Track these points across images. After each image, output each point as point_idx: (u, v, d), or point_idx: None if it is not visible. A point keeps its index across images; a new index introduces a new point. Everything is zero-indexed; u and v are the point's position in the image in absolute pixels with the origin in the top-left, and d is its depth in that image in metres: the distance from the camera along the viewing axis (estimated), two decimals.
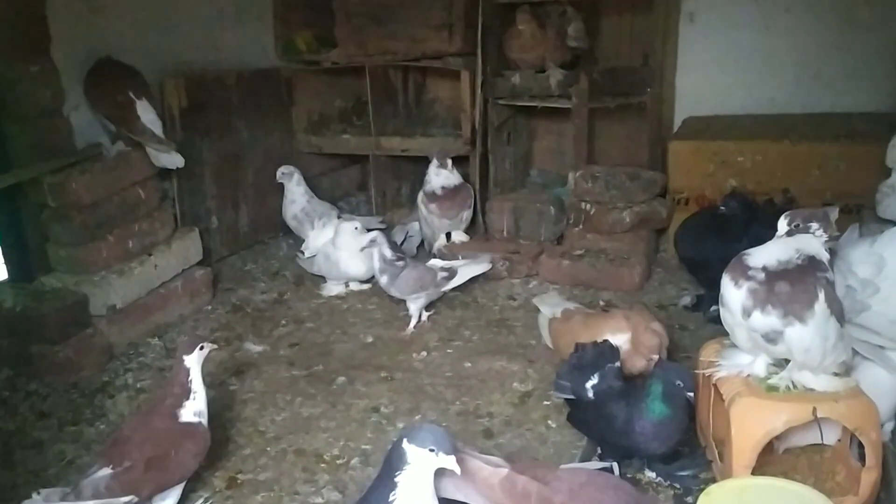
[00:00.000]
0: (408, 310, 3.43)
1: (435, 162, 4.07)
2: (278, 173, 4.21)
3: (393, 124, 4.71)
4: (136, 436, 2.23)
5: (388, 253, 3.41)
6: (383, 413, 2.77)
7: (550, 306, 3.06)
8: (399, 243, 4.29)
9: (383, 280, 3.40)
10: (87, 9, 3.44)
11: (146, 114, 3.35)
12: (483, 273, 3.64)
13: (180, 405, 2.28)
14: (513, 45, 4.14)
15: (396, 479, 1.78)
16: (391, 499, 1.78)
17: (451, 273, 3.46)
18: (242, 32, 4.37)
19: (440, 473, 1.84)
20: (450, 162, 4.07)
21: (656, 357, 2.58)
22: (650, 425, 2.16)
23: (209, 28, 4.15)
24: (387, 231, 4.38)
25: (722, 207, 3.17)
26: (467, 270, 3.52)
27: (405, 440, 1.79)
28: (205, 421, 2.31)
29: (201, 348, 2.32)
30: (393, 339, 3.34)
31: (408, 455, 1.78)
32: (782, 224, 2.06)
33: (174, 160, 3.49)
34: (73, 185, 3.14)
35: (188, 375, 2.30)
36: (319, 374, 3.06)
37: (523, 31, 4.06)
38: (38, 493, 2.11)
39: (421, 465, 1.78)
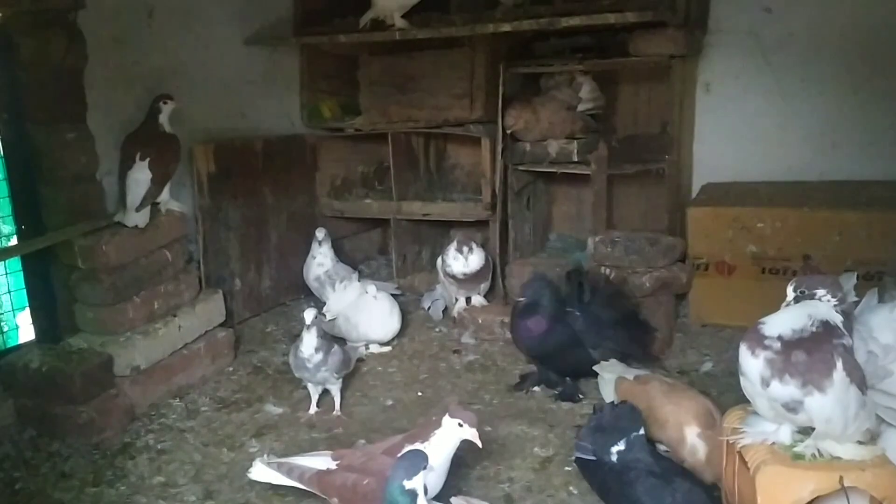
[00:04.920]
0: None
1: (454, 246, 4.02)
2: (321, 233, 4.29)
3: (414, 189, 4.79)
4: (366, 449, 2.45)
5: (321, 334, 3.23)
6: None
7: (612, 373, 3.07)
8: (426, 308, 4.31)
9: (318, 357, 3.15)
10: (123, 79, 3.59)
11: (136, 173, 3.35)
12: None
13: (412, 441, 2.34)
14: (513, 130, 4.21)
15: None
16: None
17: (356, 354, 3.53)
18: (270, 100, 4.52)
19: None
20: (466, 248, 3.97)
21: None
22: None
23: (238, 96, 4.30)
24: (403, 293, 4.43)
25: None
26: (357, 353, 3.64)
27: (405, 482, 1.92)
28: None
29: (460, 425, 2.30)
30: (413, 402, 3.34)
31: (416, 489, 1.90)
32: (789, 291, 2.07)
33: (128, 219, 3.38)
34: (102, 247, 3.22)
35: (434, 430, 2.33)
36: (339, 437, 3.06)
37: (515, 125, 4.11)
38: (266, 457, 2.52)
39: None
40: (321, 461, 2.44)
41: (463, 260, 3.98)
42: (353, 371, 3.65)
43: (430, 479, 2.24)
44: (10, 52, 3.14)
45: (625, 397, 2.90)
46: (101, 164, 3.43)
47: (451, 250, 4.02)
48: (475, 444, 2.34)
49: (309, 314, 3.16)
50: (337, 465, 2.39)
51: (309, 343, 3.15)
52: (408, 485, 1.94)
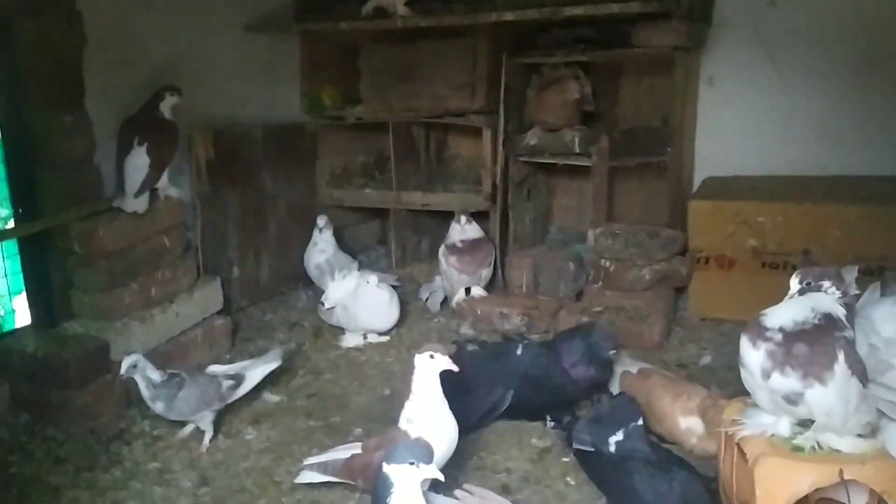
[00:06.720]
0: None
1: (454, 220, 4.18)
2: (322, 220, 4.29)
3: (414, 179, 4.76)
4: (388, 431, 2.45)
5: (155, 376, 2.85)
6: None
7: (621, 365, 3.08)
8: (424, 299, 4.30)
9: (158, 407, 2.85)
10: (121, 63, 3.55)
11: (134, 159, 3.31)
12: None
13: (402, 406, 2.37)
14: (548, 112, 4.20)
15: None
16: None
17: (239, 380, 3.00)
18: (270, 88, 4.49)
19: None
20: (464, 218, 4.13)
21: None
22: None
23: (238, 84, 4.26)
24: (402, 285, 4.42)
25: None
26: (257, 373, 3.07)
27: (384, 464, 1.88)
28: (413, 429, 2.30)
29: (431, 357, 2.34)
30: None
31: (391, 477, 1.85)
32: (794, 282, 2.06)
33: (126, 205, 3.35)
34: (100, 232, 3.20)
35: (412, 375, 2.34)
36: (336, 426, 3.05)
37: (564, 103, 4.14)
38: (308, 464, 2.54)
39: (406, 481, 1.85)
40: (349, 452, 2.49)
41: (459, 228, 4.10)
42: (351, 361, 3.66)
43: (440, 429, 2.32)
44: (8, 35, 3.11)
45: (627, 391, 2.91)
46: (99, 149, 3.40)
47: (453, 223, 4.17)
48: (451, 370, 2.36)
49: (124, 364, 2.83)
50: (361, 451, 2.45)
51: (144, 394, 2.87)
52: (385, 468, 1.90)
